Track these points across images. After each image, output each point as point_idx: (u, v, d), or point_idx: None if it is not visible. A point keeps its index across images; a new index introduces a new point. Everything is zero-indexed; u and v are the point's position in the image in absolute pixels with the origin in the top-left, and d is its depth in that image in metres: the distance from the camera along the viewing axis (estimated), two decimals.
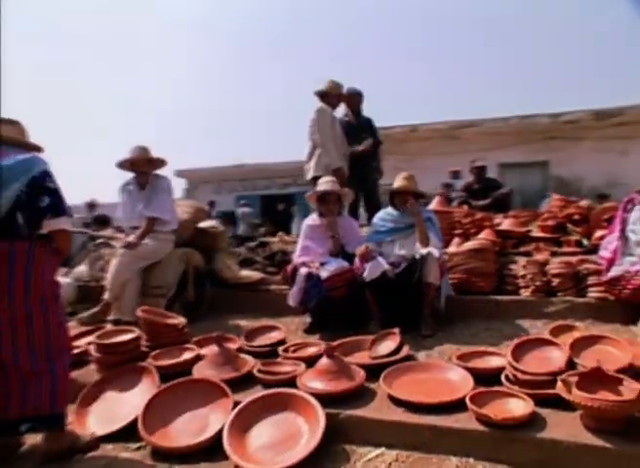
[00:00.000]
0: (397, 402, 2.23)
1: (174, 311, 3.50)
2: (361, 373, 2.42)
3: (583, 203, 3.97)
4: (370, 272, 3.15)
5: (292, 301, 3.35)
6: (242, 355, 2.78)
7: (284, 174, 15.11)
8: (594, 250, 3.52)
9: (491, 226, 3.93)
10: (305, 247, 3.64)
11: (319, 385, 2.34)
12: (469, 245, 3.54)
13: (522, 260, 3.45)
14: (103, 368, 2.77)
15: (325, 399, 2.24)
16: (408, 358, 2.70)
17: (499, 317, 3.22)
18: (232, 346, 2.97)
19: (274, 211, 14.01)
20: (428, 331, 3.12)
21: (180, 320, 3.11)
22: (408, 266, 3.22)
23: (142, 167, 3.77)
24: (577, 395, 1.87)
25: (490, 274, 3.44)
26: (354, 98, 5.04)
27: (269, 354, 2.98)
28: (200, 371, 2.60)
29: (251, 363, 2.69)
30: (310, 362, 2.71)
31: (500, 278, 3.48)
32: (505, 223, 3.94)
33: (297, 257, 3.63)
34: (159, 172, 3.94)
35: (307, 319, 3.52)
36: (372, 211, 5.06)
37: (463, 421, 2.04)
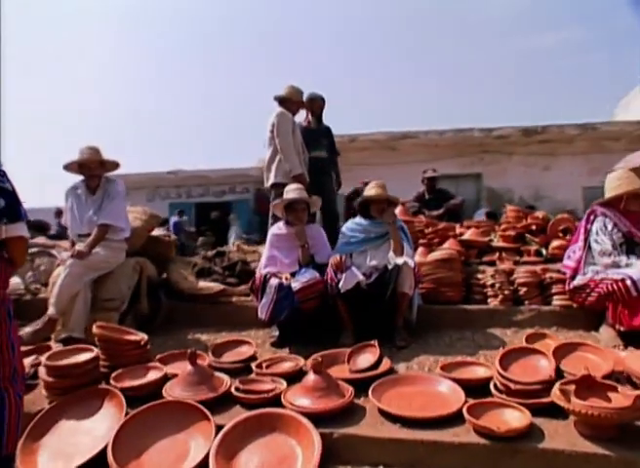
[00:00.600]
0: (390, 417, 2.16)
1: (126, 326, 3.21)
2: (350, 389, 2.32)
3: (539, 214, 4.16)
4: (345, 283, 3.07)
5: (262, 314, 3.18)
6: (216, 373, 2.58)
7: (220, 181, 14.75)
8: (553, 259, 3.68)
9: (454, 236, 4.00)
10: (272, 256, 3.49)
11: (308, 403, 2.21)
12: (437, 255, 3.56)
13: (489, 270, 3.53)
14: (56, 393, 2.45)
15: (315, 418, 2.11)
16: (389, 371, 2.63)
17: (469, 326, 3.25)
18: (202, 362, 2.76)
19: (209, 219, 13.59)
20: (402, 341, 3.08)
21: (141, 336, 2.85)
22: (380, 277, 3.17)
23: (94, 170, 3.45)
24: (576, 403, 1.88)
25: (457, 284, 3.48)
26: (317, 103, 4.95)
27: (241, 371, 2.81)
28: (172, 393, 2.38)
29: (227, 381, 2.50)
30: (288, 378, 2.58)
31: (466, 287, 3.53)
32: (468, 233, 4.02)
33: (262, 268, 3.46)
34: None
35: (274, 332, 3.36)
36: (329, 220, 4.99)
37: (462, 435, 2.00)
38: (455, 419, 2.09)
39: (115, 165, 3.58)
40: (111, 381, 2.49)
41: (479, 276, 3.51)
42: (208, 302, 3.72)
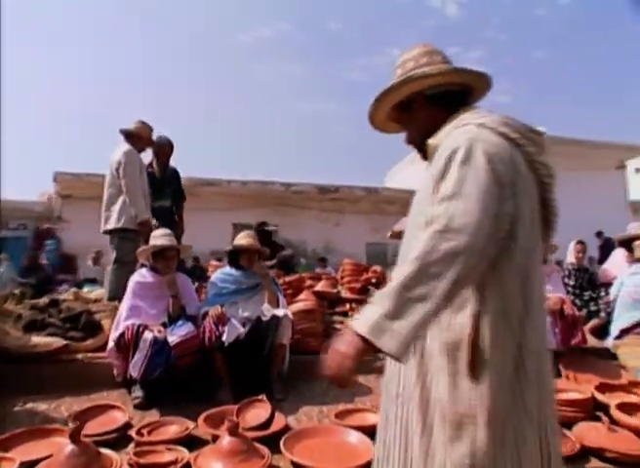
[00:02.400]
0: None
1: None
2: (265, 449, 2.24)
3: (377, 268, 4.71)
4: (229, 335, 2.97)
5: (134, 372, 2.81)
6: (102, 449, 2.18)
7: None
8: None
9: (307, 288, 4.22)
10: (135, 307, 3.15)
11: None
12: (300, 306, 3.71)
13: (347, 320, 3.83)
14: None
15: None
16: (285, 425, 2.63)
17: None
18: (60, 439, 2.29)
19: None
20: (280, 394, 3.10)
21: None
22: (254, 328, 3.18)
23: None
24: None
25: (319, 334, 3.66)
26: (165, 149, 4.67)
27: (117, 441, 2.42)
28: None
29: (115, 458, 2.14)
30: (178, 444, 2.35)
31: (327, 337, 3.74)
32: (320, 285, 4.30)
33: (123, 319, 3.08)
34: None
35: (137, 392, 2.98)
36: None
37: None
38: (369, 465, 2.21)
39: None
40: None
41: (337, 326, 3.79)
42: (44, 362, 3.08)
